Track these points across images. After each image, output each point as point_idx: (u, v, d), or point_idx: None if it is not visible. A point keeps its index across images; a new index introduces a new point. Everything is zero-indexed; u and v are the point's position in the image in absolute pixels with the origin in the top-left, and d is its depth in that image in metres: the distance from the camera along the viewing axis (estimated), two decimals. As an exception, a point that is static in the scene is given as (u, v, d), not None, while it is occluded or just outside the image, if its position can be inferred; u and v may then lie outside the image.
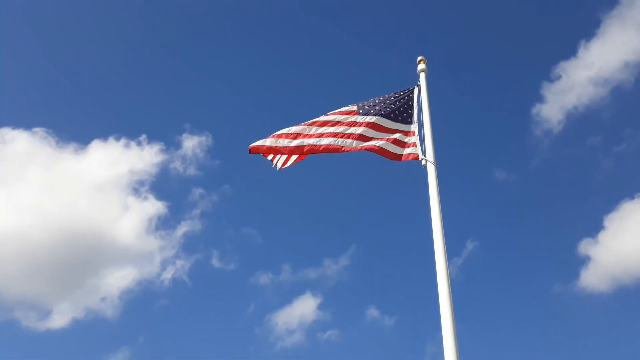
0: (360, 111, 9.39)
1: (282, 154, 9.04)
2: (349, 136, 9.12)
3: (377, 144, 9.03)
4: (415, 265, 26.88)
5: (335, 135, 9.13)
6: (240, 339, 28.62)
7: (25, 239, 28.61)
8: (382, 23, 34.87)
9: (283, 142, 9.03)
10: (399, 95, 9.61)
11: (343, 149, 9.01)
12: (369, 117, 9.29)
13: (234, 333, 28.86)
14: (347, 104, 9.52)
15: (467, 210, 29.57)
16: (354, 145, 9.04)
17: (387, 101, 9.51)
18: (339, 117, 9.31)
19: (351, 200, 31.34)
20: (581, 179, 31.84)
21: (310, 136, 9.12)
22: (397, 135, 9.15)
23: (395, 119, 9.33)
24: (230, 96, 35.29)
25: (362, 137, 9.12)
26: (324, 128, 9.21)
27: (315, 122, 9.26)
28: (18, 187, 30.23)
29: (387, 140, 9.09)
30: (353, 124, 9.23)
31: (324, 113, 9.36)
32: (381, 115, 9.32)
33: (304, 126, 9.19)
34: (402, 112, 9.39)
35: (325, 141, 9.09)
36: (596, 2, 32.72)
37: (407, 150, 8.95)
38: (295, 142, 9.05)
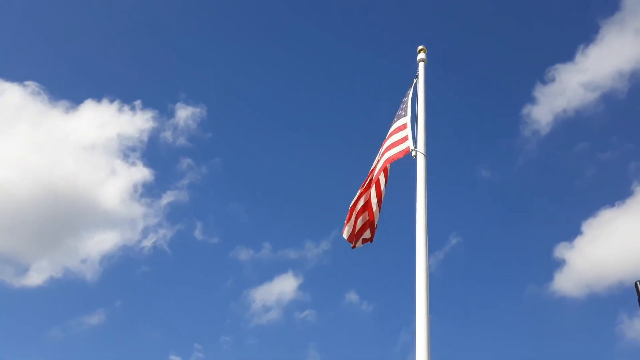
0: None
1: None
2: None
3: (387, 157, 8.91)
4: (397, 255, 27.01)
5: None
6: (216, 312, 28.72)
7: (6, 194, 28.41)
8: (382, 18, 34.68)
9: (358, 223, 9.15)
10: (405, 97, 9.52)
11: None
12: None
13: (210, 306, 28.95)
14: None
15: (452, 205, 29.70)
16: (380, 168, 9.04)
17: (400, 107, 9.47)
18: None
19: (337, 185, 31.36)
20: (564, 182, 32.02)
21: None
22: (395, 137, 8.98)
23: (396, 120, 9.27)
24: (230, 71, 35.06)
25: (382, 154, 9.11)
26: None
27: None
28: (4, 141, 29.92)
29: (391, 147, 8.94)
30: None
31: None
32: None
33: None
34: (400, 111, 9.32)
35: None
36: (597, 6, 32.69)
37: (401, 147, 8.70)
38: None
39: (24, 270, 27.88)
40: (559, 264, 28.18)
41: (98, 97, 32.25)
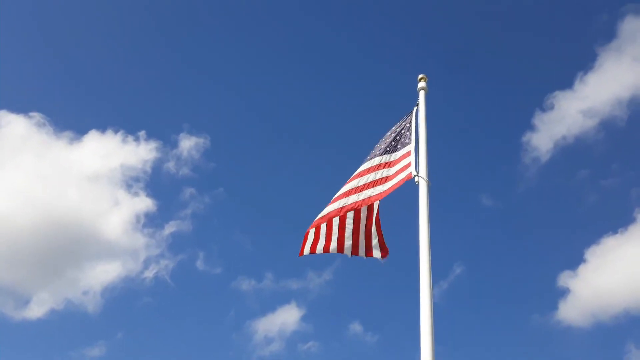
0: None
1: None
2: (363, 188, 8.95)
3: (383, 189, 8.78)
4: (401, 284, 26.77)
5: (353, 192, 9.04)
6: (218, 344, 28.37)
7: (9, 224, 28.33)
8: (385, 42, 35.01)
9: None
10: (401, 125, 9.49)
11: (359, 203, 8.86)
12: (376, 159, 9.17)
13: (213, 337, 28.61)
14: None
15: (454, 233, 29.51)
16: (366, 197, 8.86)
17: (390, 137, 9.40)
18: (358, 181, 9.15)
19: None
20: (565, 210, 31.85)
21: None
22: (397, 167, 8.88)
23: (397, 149, 9.16)
24: (234, 101, 35.23)
25: (373, 183, 8.96)
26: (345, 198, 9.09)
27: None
28: (8, 172, 29.97)
29: (391, 177, 8.81)
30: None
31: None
32: (386, 153, 9.18)
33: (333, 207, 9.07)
34: (402, 138, 9.24)
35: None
36: (594, 34, 32.96)
37: (403, 175, 8.58)
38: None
39: (25, 302, 27.66)
40: (563, 292, 27.87)
41: (102, 128, 32.36)
